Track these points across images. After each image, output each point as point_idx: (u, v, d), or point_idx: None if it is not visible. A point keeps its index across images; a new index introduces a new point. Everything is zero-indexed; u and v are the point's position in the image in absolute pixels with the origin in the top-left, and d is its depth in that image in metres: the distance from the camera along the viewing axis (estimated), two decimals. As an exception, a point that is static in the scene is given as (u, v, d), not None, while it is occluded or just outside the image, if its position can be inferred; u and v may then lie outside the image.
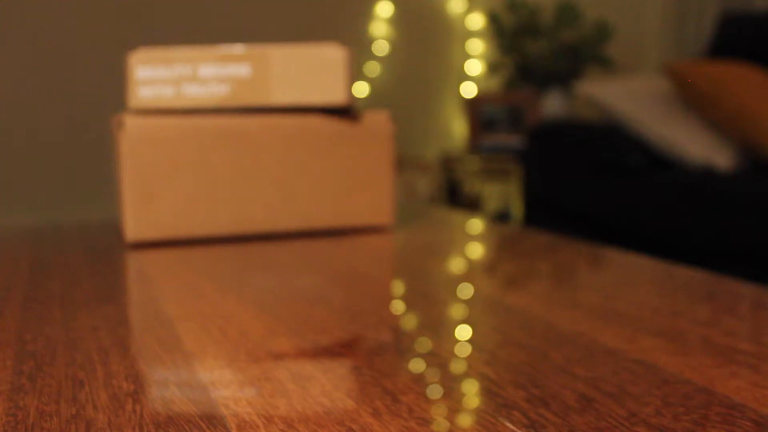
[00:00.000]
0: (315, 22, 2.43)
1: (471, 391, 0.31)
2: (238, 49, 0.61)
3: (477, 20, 2.71)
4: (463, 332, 0.39)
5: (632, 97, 1.97)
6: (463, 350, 0.36)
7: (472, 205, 2.56)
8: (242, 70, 0.61)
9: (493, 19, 2.59)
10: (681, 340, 0.37)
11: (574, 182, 1.97)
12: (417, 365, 0.34)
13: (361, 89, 2.53)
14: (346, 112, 0.66)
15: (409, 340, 0.38)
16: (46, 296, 0.47)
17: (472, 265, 0.55)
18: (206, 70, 0.61)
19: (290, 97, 0.62)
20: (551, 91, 2.61)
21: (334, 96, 0.62)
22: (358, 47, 2.52)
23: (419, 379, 0.33)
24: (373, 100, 2.57)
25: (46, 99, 2.18)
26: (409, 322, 0.41)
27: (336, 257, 0.58)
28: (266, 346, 0.37)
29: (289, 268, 0.54)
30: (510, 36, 2.59)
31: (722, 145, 1.86)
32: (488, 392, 0.31)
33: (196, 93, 0.61)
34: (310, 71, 0.62)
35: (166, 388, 0.32)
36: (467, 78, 2.73)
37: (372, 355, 0.36)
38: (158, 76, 0.61)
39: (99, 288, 0.49)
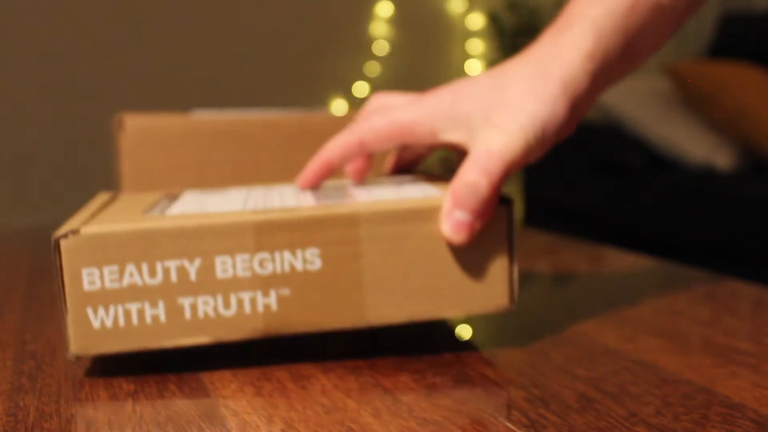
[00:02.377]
0: (315, 22, 2.44)
1: (471, 391, 0.31)
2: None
3: (477, 20, 2.71)
4: (463, 332, 0.39)
5: (632, 97, 1.97)
6: (463, 350, 0.36)
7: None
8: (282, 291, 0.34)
9: (493, 19, 2.59)
10: (681, 340, 0.37)
11: (574, 182, 1.97)
12: (417, 365, 0.34)
13: (361, 89, 2.53)
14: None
15: (409, 340, 0.38)
16: (46, 296, 0.47)
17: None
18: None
19: (402, 311, 0.35)
20: (551, 91, 2.60)
21: (489, 299, 0.36)
22: (358, 47, 2.52)
23: (419, 379, 0.33)
24: (373, 100, 2.57)
25: (46, 99, 2.18)
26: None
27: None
28: (266, 346, 0.37)
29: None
30: (510, 36, 2.58)
31: (722, 145, 1.86)
32: (488, 392, 0.31)
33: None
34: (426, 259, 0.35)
35: (166, 388, 0.32)
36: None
37: (372, 355, 0.36)
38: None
39: (99, 288, 0.49)
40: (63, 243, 0.32)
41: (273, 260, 0.33)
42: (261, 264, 0.33)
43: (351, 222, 0.33)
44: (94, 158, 2.25)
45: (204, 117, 0.62)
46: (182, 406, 0.30)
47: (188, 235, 0.32)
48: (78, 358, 0.33)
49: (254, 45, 2.37)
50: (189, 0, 2.29)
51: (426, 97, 0.38)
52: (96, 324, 0.32)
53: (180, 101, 2.31)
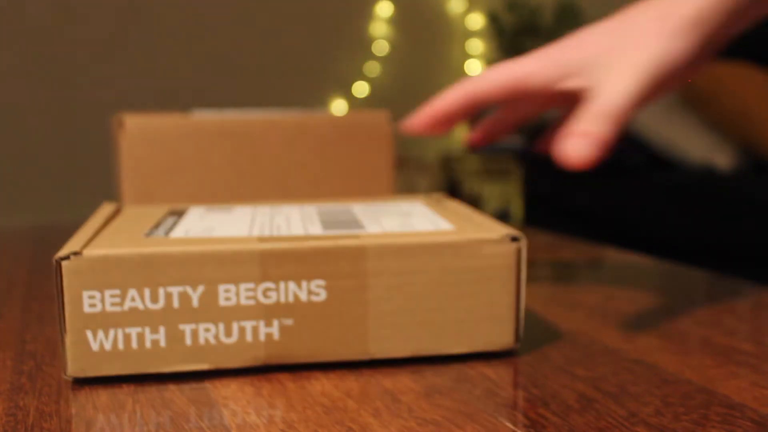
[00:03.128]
0: (315, 22, 2.44)
1: (471, 391, 0.31)
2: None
3: (477, 20, 2.71)
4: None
5: (632, 97, 1.97)
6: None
7: (472, 204, 2.56)
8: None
9: (493, 19, 2.59)
10: (681, 340, 0.37)
11: (574, 182, 1.97)
12: (417, 365, 0.34)
13: (361, 89, 2.53)
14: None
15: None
16: (46, 296, 0.47)
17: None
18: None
19: (405, 347, 0.34)
20: (551, 91, 2.60)
21: (494, 338, 0.35)
22: (358, 47, 2.52)
23: (419, 379, 0.33)
24: (373, 100, 2.57)
25: (46, 99, 2.18)
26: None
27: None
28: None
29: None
30: (510, 36, 2.58)
31: (722, 145, 1.86)
32: (488, 392, 0.31)
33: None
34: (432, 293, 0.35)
35: (166, 388, 0.32)
36: (467, 78, 2.73)
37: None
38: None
39: (99, 288, 0.49)
40: (65, 265, 0.31)
41: (277, 290, 0.33)
42: (265, 293, 0.33)
43: (358, 255, 0.33)
44: (94, 158, 2.25)
45: (204, 117, 0.62)
46: (182, 406, 0.30)
47: (192, 262, 0.32)
48: (75, 378, 0.33)
49: (254, 45, 2.37)
50: (189, 0, 2.28)
51: (548, 48, 0.37)
52: (95, 347, 0.32)
53: (180, 101, 2.31)
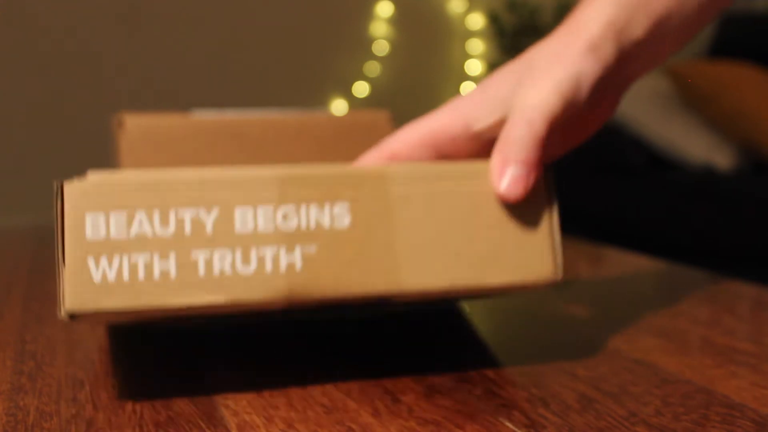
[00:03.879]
0: (315, 22, 2.44)
1: (471, 391, 0.31)
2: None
3: (477, 20, 2.71)
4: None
5: (632, 97, 1.97)
6: (463, 350, 0.36)
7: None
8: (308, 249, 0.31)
9: (493, 19, 2.59)
10: (681, 340, 0.37)
11: (574, 182, 1.97)
12: (417, 365, 0.34)
13: (361, 89, 2.53)
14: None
15: (409, 340, 0.38)
16: (46, 296, 0.47)
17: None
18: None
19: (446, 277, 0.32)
20: (551, 91, 2.60)
21: (533, 269, 0.34)
22: (358, 47, 2.52)
23: (419, 379, 0.33)
24: (373, 100, 2.57)
25: (46, 99, 2.18)
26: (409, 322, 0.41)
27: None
28: (267, 346, 0.37)
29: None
30: (510, 36, 2.58)
31: (722, 145, 1.86)
32: (488, 392, 0.31)
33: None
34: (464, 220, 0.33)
35: (166, 388, 0.32)
36: (467, 78, 2.73)
37: (372, 355, 0.36)
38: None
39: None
40: (68, 187, 0.29)
41: (298, 214, 0.31)
42: (285, 217, 0.31)
43: (383, 177, 0.31)
44: (94, 158, 2.25)
45: (204, 117, 0.62)
46: (182, 406, 0.30)
47: (206, 183, 0.30)
48: (73, 316, 0.29)
49: (254, 45, 2.37)
50: (189, 0, 2.29)
51: (455, 100, 0.37)
52: (97, 276, 0.29)
53: (180, 101, 2.31)
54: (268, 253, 0.30)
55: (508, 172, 0.33)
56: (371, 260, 0.31)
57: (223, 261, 0.30)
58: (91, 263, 0.29)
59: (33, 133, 2.19)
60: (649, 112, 1.93)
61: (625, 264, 0.55)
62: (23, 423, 0.29)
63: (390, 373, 0.33)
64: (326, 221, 0.31)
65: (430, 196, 0.32)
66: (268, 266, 0.30)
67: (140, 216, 0.29)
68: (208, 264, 0.30)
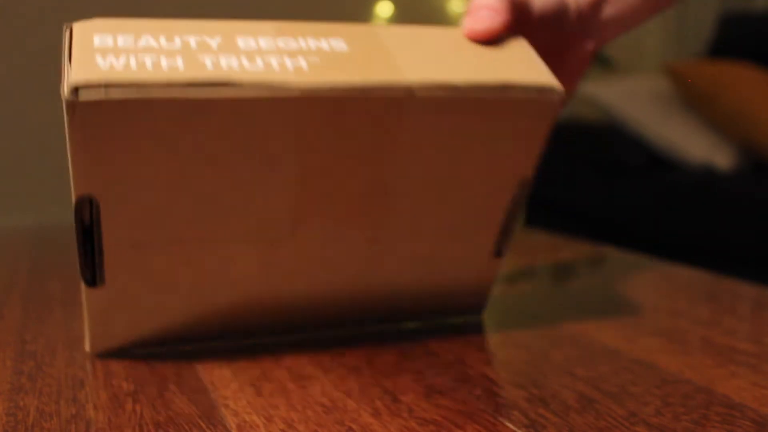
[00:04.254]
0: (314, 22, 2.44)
1: (471, 391, 0.31)
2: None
3: (477, 20, 2.70)
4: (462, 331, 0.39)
5: (632, 97, 1.97)
6: (463, 350, 0.36)
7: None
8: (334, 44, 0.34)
9: (493, 19, 2.59)
10: (681, 340, 0.37)
11: (574, 182, 1.97)
12: (417, 365, 0.34)
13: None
14: None
15: (409, 340, 0.38)
16: (46, 296, 0.47)
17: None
18: (250, 43, 0.32)
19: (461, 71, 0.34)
20: (551, 91, 2.60)
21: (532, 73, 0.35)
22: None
23: (419, 379, 0.33)
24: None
25: (46, 99, 2.18)
26: (409, 322, 0.41)
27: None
28: (267, 346, 0.37)
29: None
30: (510, 36, 2.58)
31: (722, 145, 1.86)
32: (488, 392, 0.31)
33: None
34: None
35: (166, 388, 0.32)
36: None
37: (372, 355, 0.36)
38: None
39: (99, 288, 0.49)
40: (76, 26, 0.31)
41: (297, 42, 0.33)
42: (285, 43, 0.33)
43: (372, 30, 0.35)
44: (94, 158, 2.25)
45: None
46: (182, 406, 0.30)
47: (208, 24, 0.33)
48: (72, 106, 0.28)
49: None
50: (189, 0, 2.29)
51: None
52: (104, 65, 0.29)
53: (180, 101, 2.31)
54: (274, 60, 0.31)
55: (474, 13, 0.37)
56: (373, 64, 0.33)
57: (230, 61, 0.31)
58: (98, 58, 0.30)
59: (33, 133, 2.19)
60: (649, 112, 1.93)
61: (625, 264, 0.55)
62: (23, 423, 0.29)
63: (390, 373, 0.33)
64: (325, 46, 0.33)
65: (418, 33, 0.35)
66: (276, 67, 0.31)
67: (147, 38, 0.31)
68: (216, 64, 0.31)
